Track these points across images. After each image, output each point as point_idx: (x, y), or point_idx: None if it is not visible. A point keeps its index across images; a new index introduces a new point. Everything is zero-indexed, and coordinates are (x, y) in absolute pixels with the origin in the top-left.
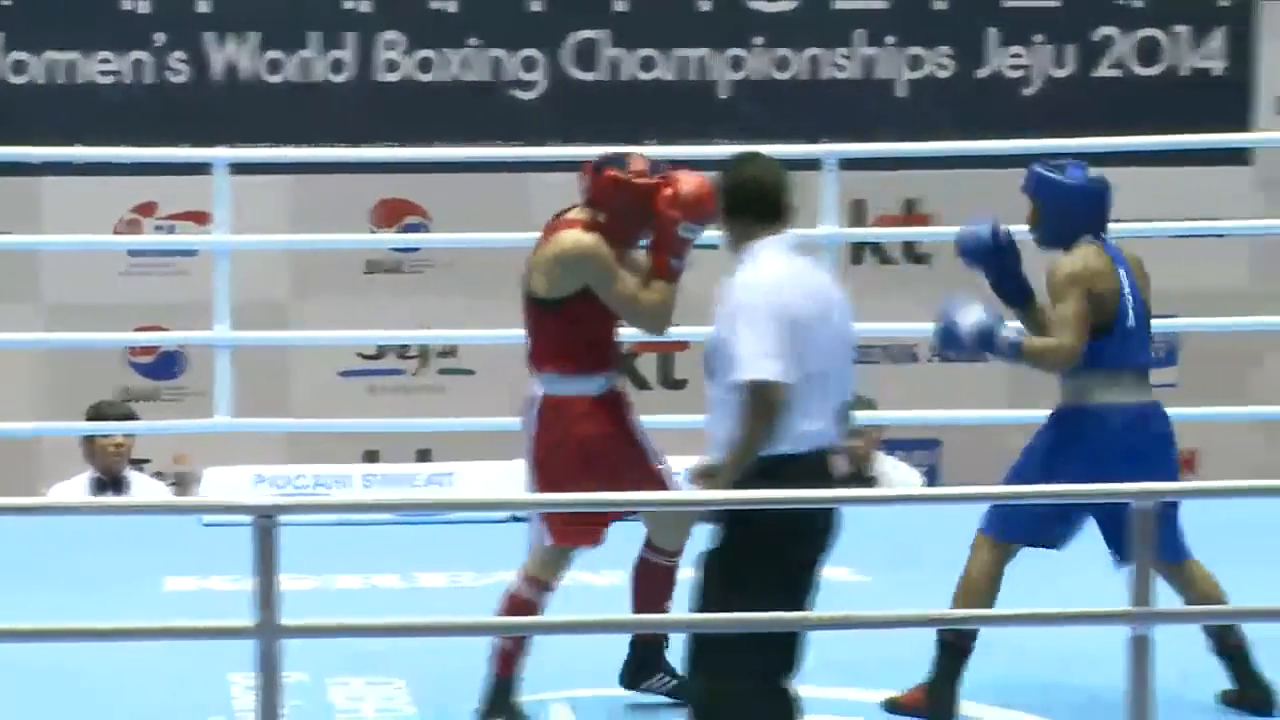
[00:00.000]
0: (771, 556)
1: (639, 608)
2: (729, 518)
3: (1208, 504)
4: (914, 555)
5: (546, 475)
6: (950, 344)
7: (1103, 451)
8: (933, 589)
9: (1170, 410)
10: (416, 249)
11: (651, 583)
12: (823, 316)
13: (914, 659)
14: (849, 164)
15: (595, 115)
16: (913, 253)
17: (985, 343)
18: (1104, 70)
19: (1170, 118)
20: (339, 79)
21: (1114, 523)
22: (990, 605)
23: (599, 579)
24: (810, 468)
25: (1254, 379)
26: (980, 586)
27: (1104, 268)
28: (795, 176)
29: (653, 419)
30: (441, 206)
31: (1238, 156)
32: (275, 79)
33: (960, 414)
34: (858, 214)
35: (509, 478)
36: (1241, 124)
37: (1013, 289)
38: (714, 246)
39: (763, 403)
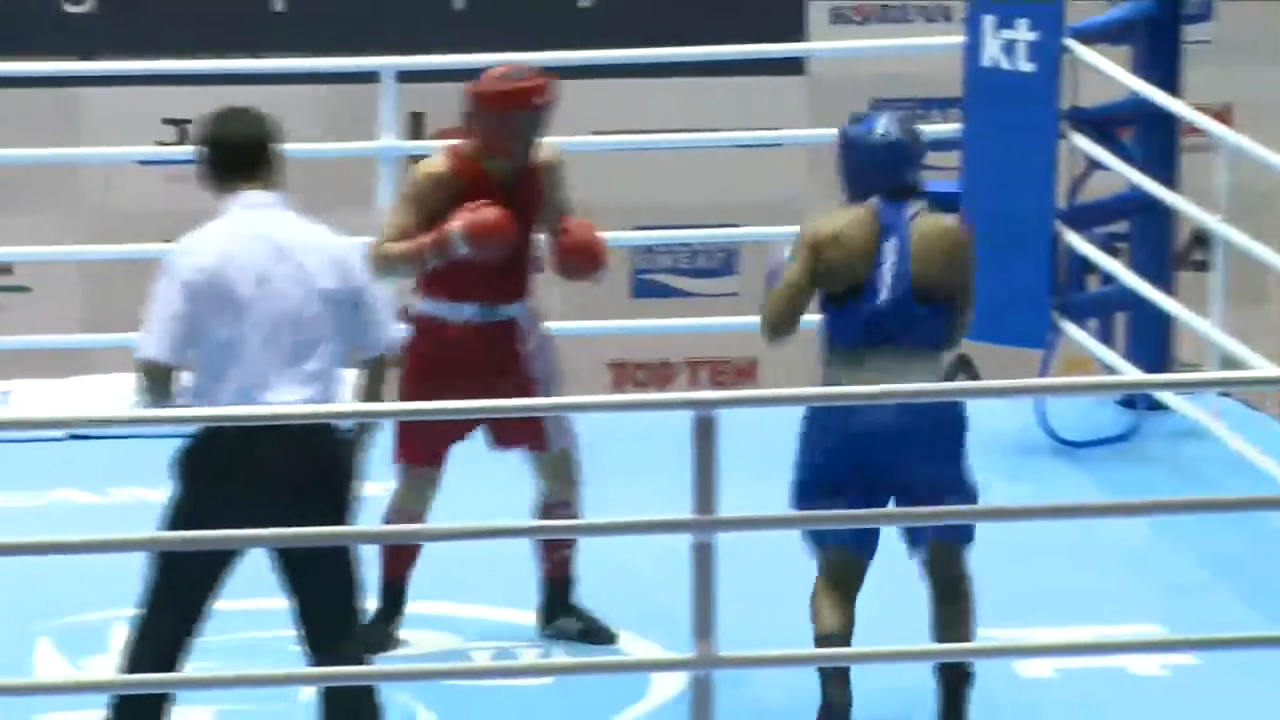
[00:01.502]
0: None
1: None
2: None
3: (765, 413)
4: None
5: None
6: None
7: (841, 434)
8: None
9: (732, 319)
10: None
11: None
12: (261, 279)
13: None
14: (407, 77)
15: (149, 29)
16: None
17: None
18: None
19: (725, 28)
20: None
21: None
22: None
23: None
24: (229, 437)
25: None
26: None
27: (851, 232)
28: (354, 90)
29: None
30: None
31: (792, 66)
32: None
33: None
34: (416, 127)
35: (66, 396)
36: (795, 34)
37: None
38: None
39: (147, 378)
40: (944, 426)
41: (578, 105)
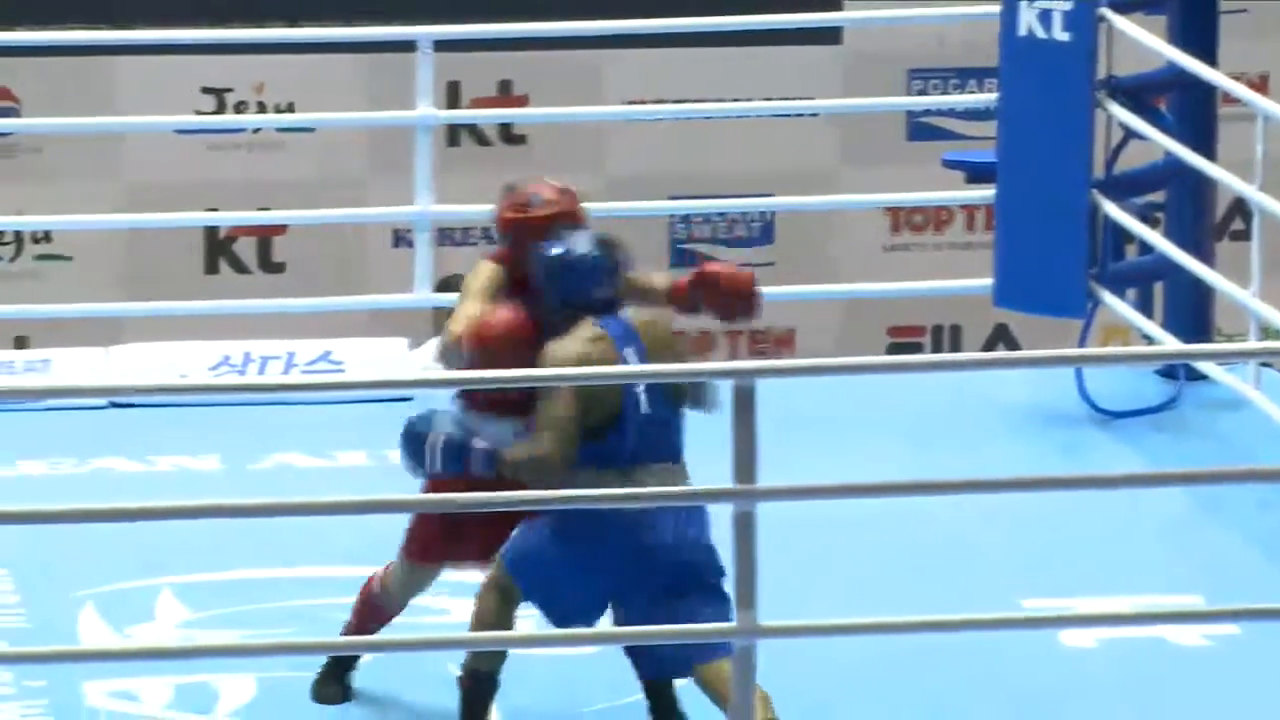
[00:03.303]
0: None
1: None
2: None
3: (801, 382)
4: None
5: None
6: (414, 457)
7: (625, 557)
8: None
9: (769, 289)
10: (7, 134)
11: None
12: None
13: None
14: (443, 45)
15: None
16: (508, 134)
17: (455, 458)
18: None
19: None
20: None
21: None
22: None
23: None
24: None
25: (842, 256)
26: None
27: (598, 356)
28: (391, 60)
29: (252, 304)
30: (31, 90)
31: (828, 36)
32: None
33: None
34: (453, 96)
35: (107, 364)
36: (831, 4)
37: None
38: None
39: None
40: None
41: (614, 75)
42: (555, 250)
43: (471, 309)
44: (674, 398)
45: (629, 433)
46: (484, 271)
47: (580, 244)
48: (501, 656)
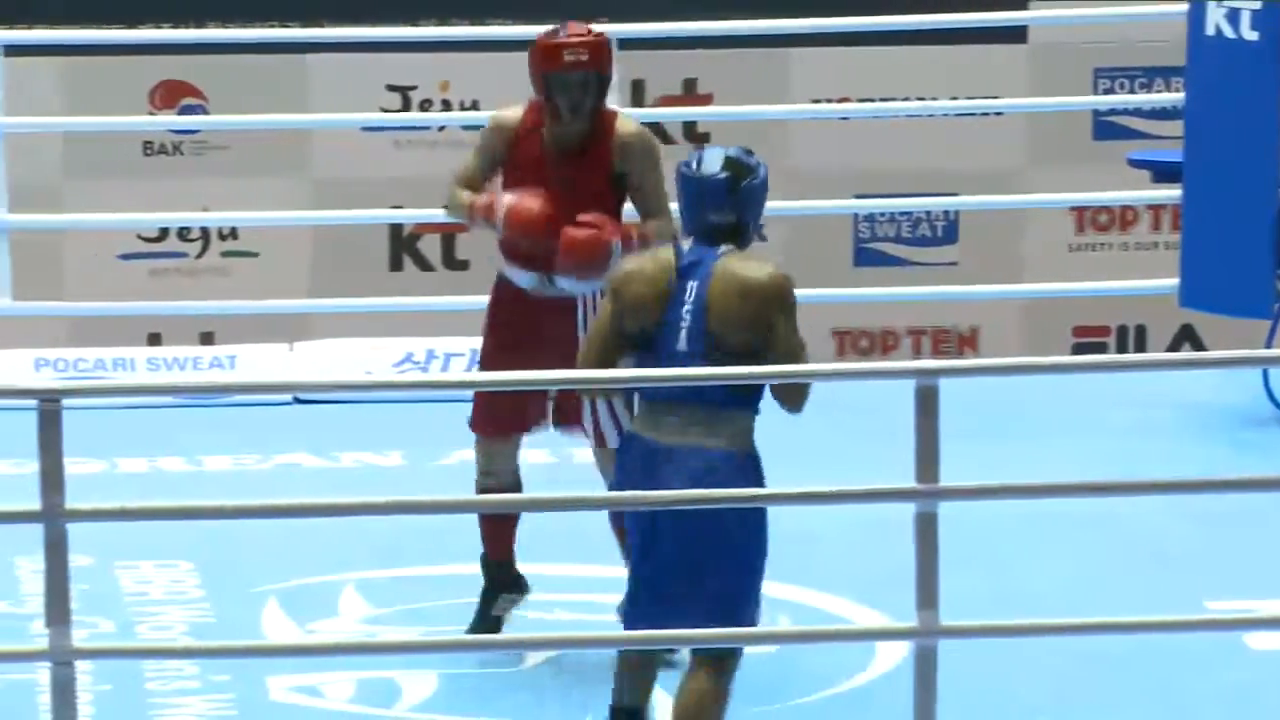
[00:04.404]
0: None
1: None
2: None
3: (984, 381)
4: None
5: None
6: None
7: (623, 486)
8: None
9: (953, 289)
10: (195, 131)
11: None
12: None
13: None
14: (627, 44)
15: None
16: (693, 132)
17: None
18: None
19: None
20: None
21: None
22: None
23: (384, 459)
24: None
25: (1026, 255)
26: None
27: (648, 272)
28: None
29: (436, 300)
30: (219, 88)
31: (1014, 34)
32: None
33: None
34: (638, 94)
35: (291, 360)
36: (1017, 2)
37: None
38: None
39: None
40: (721, 531)
41: (799, 73)
42: (684, 163)
43: (471, 161)
44: (719, 348)
45: (655, 363)
46: (489, 121)
47: (707, 161)
48: (645, 693)
